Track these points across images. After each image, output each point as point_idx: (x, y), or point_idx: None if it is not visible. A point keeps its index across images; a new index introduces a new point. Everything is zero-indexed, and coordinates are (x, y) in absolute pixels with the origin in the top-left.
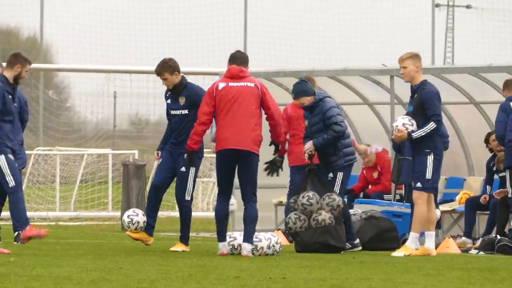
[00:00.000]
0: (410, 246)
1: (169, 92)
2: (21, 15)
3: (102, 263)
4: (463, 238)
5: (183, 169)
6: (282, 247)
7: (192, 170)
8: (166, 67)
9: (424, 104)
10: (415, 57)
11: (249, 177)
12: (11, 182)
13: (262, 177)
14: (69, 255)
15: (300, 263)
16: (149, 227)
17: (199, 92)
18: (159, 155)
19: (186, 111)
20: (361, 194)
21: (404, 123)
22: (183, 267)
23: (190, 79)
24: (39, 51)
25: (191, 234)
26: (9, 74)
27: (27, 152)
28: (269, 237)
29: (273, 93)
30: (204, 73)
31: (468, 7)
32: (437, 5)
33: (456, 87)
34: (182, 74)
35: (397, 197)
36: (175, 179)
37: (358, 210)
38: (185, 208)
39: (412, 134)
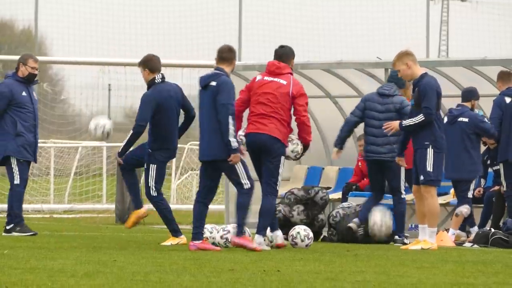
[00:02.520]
0: (429, 240)
1: None
2: (15, 8)
3: (97, 256)
4: (457, 231)
5: (145, 166)
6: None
7: (153, 167)
8: (142, 62)
9: (421, 96)
10: (402, 56)
11: (267, 171)
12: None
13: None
14: (63, 248)
15: (294, 256)
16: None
17: (144, 95)
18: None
19: None
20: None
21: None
22: (177, 260)
23: (185, 71)
24: (33, 43)
25: (185, 226)
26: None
27: None
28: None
29: None
30: (198, 66)
31: (462, 0)
32: None
33: (451, 80)
34: (155, 76)
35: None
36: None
37: (352, 203)
38: (156, 202)
39: (403, 123)
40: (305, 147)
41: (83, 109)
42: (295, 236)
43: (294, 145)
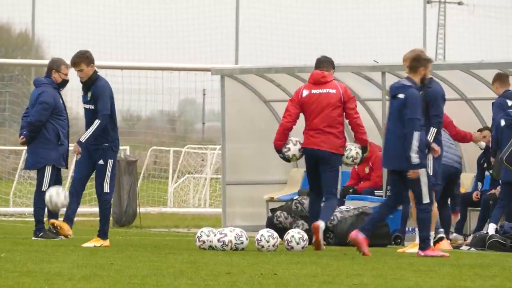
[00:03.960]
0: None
1: (82, 85)
2: (12, 10)
3: (93, 259)
4: (454, 235)
5: (101, 162)
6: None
7: (110, 162)
8: (84, 58)
9: (429, 103)
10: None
11: (323, 175)
12: None
13: (253, 174)
14: (60, 251)
15: (291, 259)
16: (69, 220)
17: (102, 89)
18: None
19: (92, 106)
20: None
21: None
22: (174, 263)
23: (182, 75)
24: (30, 46)
25: (182, 230)
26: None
27: (18, 148)
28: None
29: (264, 89)
30: (195, 69)
31: (459, 3)
32: (429, 2)
33: (448, 83)
34: (96, 69)
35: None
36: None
37: (350, 207)
38: (104, 200)
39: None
40: (363, 148)
41: (80, 112)
42: (290, 240)
43: (348, 151)
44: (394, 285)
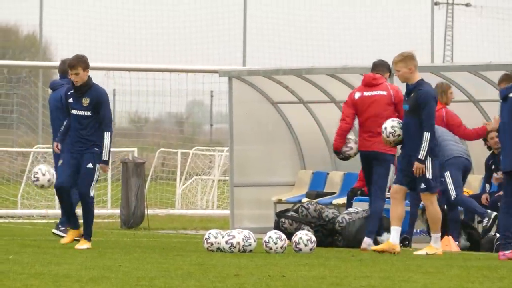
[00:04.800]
0: (434, 245)
1: (72, 90)
2: (20, 12)
3: (101, 261)
4: (463, 237)
5: (89, 165)
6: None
7: (97, 167)
8: (81, 61)
9: (421, 105)
10: (407, 58)
11: (375, 174)
12: None
13: (261, 176)
14: (68, 253)
15: (299, 261)
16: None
17: (104, 96)
18: (59, 148)
19: (89, 113)
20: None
21: (393, 125)
22: (183, 265)
23: (189, 76)
24: (38, 48)
25: (189, 231)
26: None
27: (25, 149)
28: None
29: (272, 90)
30: (203, 71)
31: (467, 5)
32: (436, 3)
33: (455, 85)
34: (89, 75)
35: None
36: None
37: (358, 208)
38: (89, 204)
39: (419, 157)
40: None
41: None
42: (298, 242)
43: (347, 148)
44: (402, 287)
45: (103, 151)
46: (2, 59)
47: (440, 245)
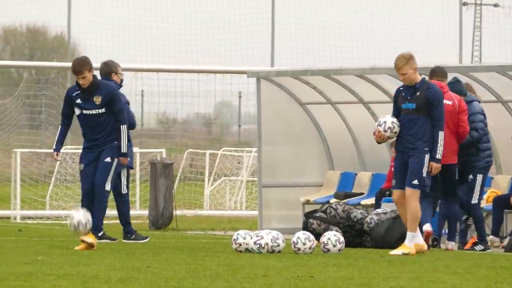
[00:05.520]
0: (409, 245)
1: (78, 91)
2: (48, 14)
3: (130, 262)
4: (491, 237)
5: (108, 159)
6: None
7: (115, 161)
8: (86, 64)
9: (433, 103)
10: (410, 60)
11: (450, 183)
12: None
13: (289, 176)
14: (96, 254)
15: (327, 262)
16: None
17: (115, 91)
18: (58, 156)
19: (103, 110)
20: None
21: (393, 121)
22: (211, 266)
23: (218, 77)
24: (66, 49)
25: (218, 232)
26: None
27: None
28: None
29: (300, 91)
30: (231, 72)
31: (495, 5)
32: (465, 4)
33: (484, 85)
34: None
35: None
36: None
37: (387, 209)
38: (102, 197)
39: (436, 156)
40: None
41: None
42: (326, 242)
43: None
44: None
45: (121, 144)
46: (30, 60)
47: (413, 245)
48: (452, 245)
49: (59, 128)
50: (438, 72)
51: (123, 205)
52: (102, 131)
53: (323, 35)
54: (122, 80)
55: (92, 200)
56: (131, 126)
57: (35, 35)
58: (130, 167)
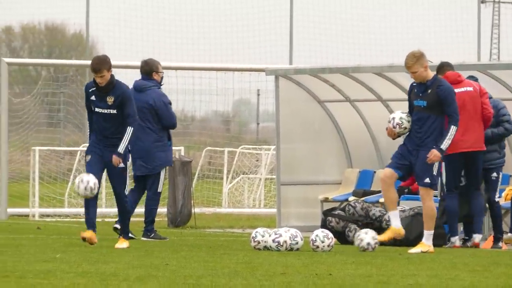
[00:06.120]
0: (427, 243)
1: (94, 88)
2: (67, 11)
3: (148, 260)
4: (509, 234)
5: (121, 165)
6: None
7: (127, 165)
8: (105, 63)
9: (444, 101)
10: (420, 58)
11: (475, 172)
12: None
13: (308, 174)
14: (115, 252)
15: (346, 260)
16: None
17: (129, 93)
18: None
19: (114, 111)
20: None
21: (401, 117)
22: (229, 264)
23: (236, 75)
24: (85, 47)
25: (236, 230)
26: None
27: (72, 148)
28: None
29: (318, 89)
30: (249, 70)
31: None
32: (483, 1)
33: (502, 83)
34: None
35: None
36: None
37: (405, 207)
38: (126, 203)
39: (442, 147)
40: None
41: None
42: (314, 239)
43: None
44: (449, 285)
45: (121, 145)
46: (49, 58)
47: (431, 243)
48: (479, 238)
49: (88, 127)
50: (448, 65)
51: (151, 203)
52: (111, 132)
53: (341, 33)
54: (162, 78)
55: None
56: (172, 126)
57: (53, 33)
58: (169, 165)
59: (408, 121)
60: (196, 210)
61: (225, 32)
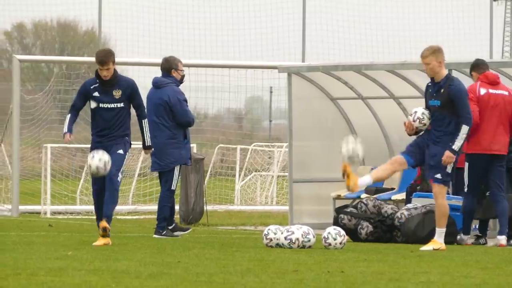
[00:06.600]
0: (439, 240)
1: (96, 84)
2: (79, 8)
3: (160, 257)
4: None
5: (120, 151)
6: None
7: (127, 155)
8: (111, 56)
9: (454, 100)
10: (437, 52)
11: (499, 176)
12: None
13: (320, 172)
14: (127, 249)
15: (358, 257)
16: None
17: (135, 85)
18: (72, 137)
19: (122, 105)
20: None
21: (424, 112)
22: (241, 261)
23: (249, 72)
24: (97, 44)
25: (249, 227)
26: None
27: (84, 145)
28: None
29: (331, 86)
30: (262, 67)
31: None
32: None
33: None
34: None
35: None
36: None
37: (417, 204)
38: (117, 187)
39: (454, 147)
40: None
41: None
42: (326, 237)
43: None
44: (460, 283)
45: (145, 138)
46: (61, 55)
47: (443, 240)
48: (504, 239)
49: (69, 115)
50: (484, 64)
51: (165, 200)
52: (116, 126)
53: (354, 30)
54: (183, 77)
55: (102, 191)
56: (187, 123)
57: (65, 29)
58: (186, 164)
59: (429, 119)
60: (208, 207)
61: (238, 30)
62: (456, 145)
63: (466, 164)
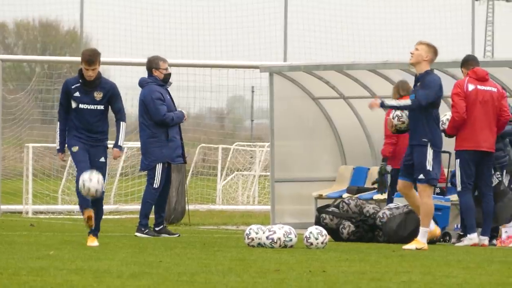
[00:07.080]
0: (422, 240)
1: (78, 84)
2: (61, 8)
3: (142, 257)
4: None
5: (102, 159)
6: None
7: (108, 161)
8: (98, 55)
9: (423, 84)
10: (432, 50)
11: (488, 175)
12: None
13: (302, 171)
14: (108, 249)
15: (340, 257)
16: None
17: (115, 88)
18: (64, 156)
19: (101, 107)
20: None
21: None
22: (223, 261)
23: (230, 72)
24: (79, 44)
25: (230, 227)
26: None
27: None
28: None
29: (313, 86)
30: (244, 66)
31: (508, 0)
32: None
33: (496, 80)
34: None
35: (437, 190)
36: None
37: (399, 204)
38: (102, 197)
39: (384, 102)
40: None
41: (129, 109)
42: (308, 236)
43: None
44: (442, 282)
45: (119, 139)
46: (43, 55)
47: (426, 240)
48: (487, 240)
49: (58, 126)
50: (474, 59)
51: (148, 197)
52: (95, 128)
53: (336, 30)
54: (167, 76)
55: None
56: (160, 122)
57: (47, 29)
58: (172, 162)
59: (408, 117)
60: (190, 207)
61: (220, 29)
62: (388, 102)
63: (457, 162)
